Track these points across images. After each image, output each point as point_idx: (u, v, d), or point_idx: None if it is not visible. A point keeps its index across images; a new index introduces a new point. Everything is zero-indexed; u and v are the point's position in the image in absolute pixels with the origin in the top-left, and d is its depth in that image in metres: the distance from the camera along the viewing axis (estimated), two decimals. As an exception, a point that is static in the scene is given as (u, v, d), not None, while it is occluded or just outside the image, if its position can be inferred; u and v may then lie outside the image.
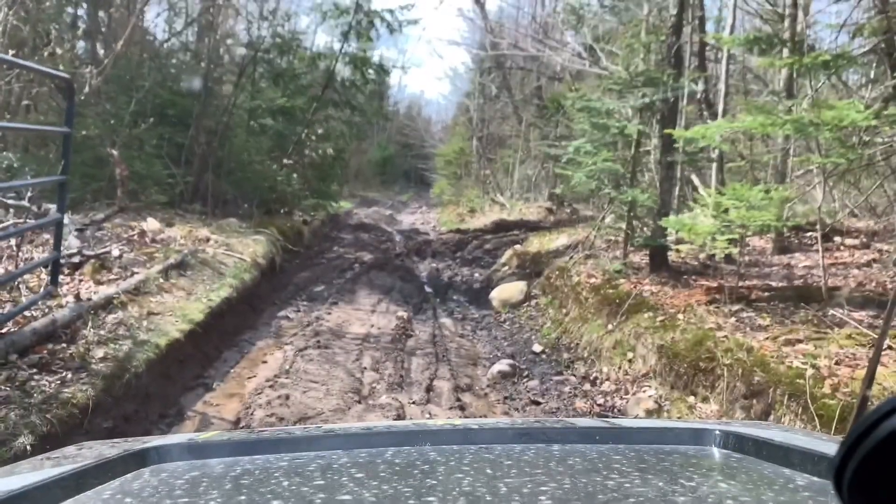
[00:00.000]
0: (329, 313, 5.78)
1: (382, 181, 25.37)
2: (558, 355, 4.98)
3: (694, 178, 6.71)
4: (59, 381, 2.91)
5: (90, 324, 3.55)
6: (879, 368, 2.77)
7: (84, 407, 2.82)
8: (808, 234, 6.22)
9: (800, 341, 3.60)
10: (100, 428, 2.84)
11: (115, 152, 6.64)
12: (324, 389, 3.79)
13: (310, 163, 10.89)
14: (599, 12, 8.87)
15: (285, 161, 10.00)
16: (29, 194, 4.56)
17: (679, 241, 5.79)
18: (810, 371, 3.13)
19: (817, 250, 4.83)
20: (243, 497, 0.72)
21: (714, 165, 5.87)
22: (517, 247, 8.52)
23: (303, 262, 8.31)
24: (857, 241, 5.96)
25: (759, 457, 0.86)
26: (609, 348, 4.57)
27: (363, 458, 0.86)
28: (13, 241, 4.03)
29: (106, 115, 7.35)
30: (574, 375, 4.55)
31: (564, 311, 5.71)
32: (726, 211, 4.33)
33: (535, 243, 8.33)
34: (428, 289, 7.39)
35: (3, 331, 3.07)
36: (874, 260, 5.30)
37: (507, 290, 6.77)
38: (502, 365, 4.53)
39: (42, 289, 3.65)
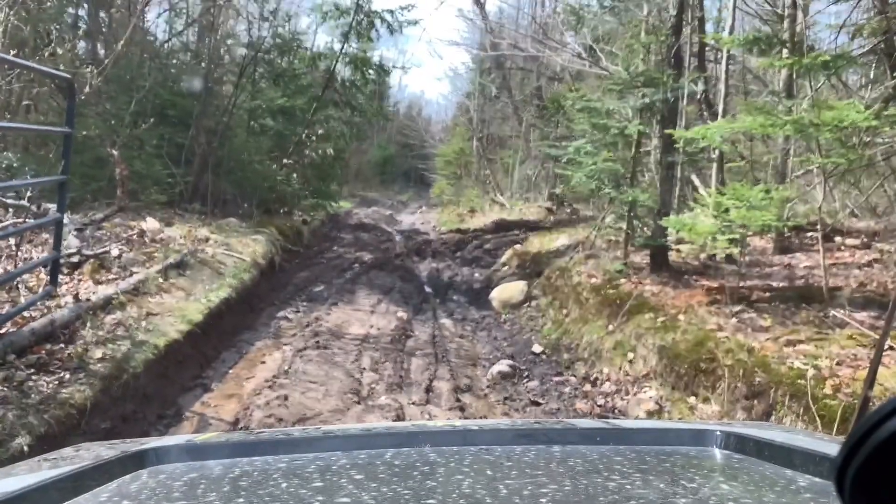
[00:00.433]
0: (328, 314, 5.77)
1: (382, 181, 25.37)
2: (558, 356, 4.97)
3: (694, 178, 6.70)
4: (57, 382, 2.91)
5: (89, 324, 3.55)
6: (881, 369, 2.76)
7: (82, 407, 2.82)
8: (809, 234, 6.21)
9: (801, 342, 3.59)
10: (98, 428, 2.84)
11: (115, 152, 6.64)
12: (323, 390, 3.79)
13: (310, 163, 10.89)
14: (599, 13, 8.87)
15: (285, 161, 10.00)
16: (28, 194, 4.55)
17: (680, 241, 5.78)
18: (811, 372, 3.13)
19: (818, 250, 4.82)
20: (241, 499, 0.72)
21: (714, 165, 5.87)
22: (517, 247, 8.51)
23: (302, 262, 8.31)
24: (857, 242, 5.95)
25: (761, 458, 0.85)
26: (609, 349, 4.56)
27: (362, 459, 0.86)
28: (12, 241, 4.02)
29: (106, 115, 7.35)
30: (574, 376, 4.54)
31: (565, 311, 5.70)
32: (727, 211, 4.33)
33: (536, 243, 8.33)
34: (428, 289, 7.38)
35: (2, 331, 3.07)
36: (875, 260, 5.29)
37: (507, 291, 6.76)
38: (502, 365, 4.52)
39: (41, 289, 3.64)
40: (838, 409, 2.86)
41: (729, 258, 5.12)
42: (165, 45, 9.92)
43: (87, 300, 3.81)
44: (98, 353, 3.26)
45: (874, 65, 5.81)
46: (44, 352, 3.13)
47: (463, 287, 7.61)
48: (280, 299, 6.24)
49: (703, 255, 5.70)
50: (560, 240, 7.88)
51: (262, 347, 4.72)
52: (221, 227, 7.30)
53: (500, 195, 14.44)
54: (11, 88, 6.12)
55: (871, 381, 2.78)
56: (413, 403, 3.73)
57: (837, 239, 6.02)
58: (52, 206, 4.20)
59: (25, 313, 3.35)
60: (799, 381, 3.11)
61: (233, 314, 5.09)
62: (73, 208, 5.68)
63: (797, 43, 5.45)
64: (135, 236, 5.71)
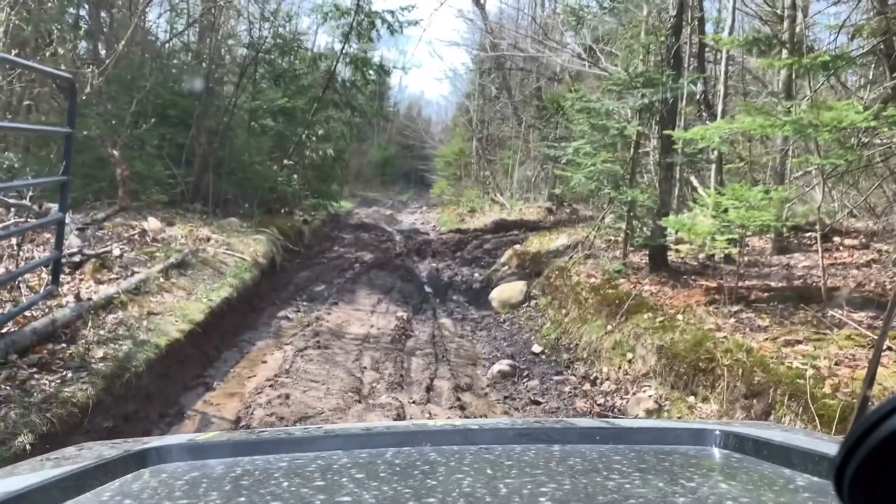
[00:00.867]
0: (329, 313, 5.78)
1: (382, 181, 25.38)
2: (558, 355, 4.99)
3: (693, 178, 6.71)
4: (59, 381, 2.92)
5: (90, 323, 3.56)
6: (879, 369, 2.77)
7: (84, 406, 2.83)
8: (808, 234, 6.23)
9: (799, 342, 3.60)
10: (100, 427, 2.85)
11: (116, 152, 6.65)
12: (324, 389, 3.80)
13: (310, 163, 10.91)
14: (599, 13, 8.88)
15: (286, 161, 10.01)
16: (30, 194, 4.57)
17: (678, 242, 5.79)
18: (810, 371, 3.14)
19: (816, 250, 4.83)
20: (243, 498, 0.72)
21: (713, 166, 5.88)
22: (517, 247, 8.52)
23: (303, 262, 8.32)
24: (856, 242, 5.97)
25: (760, 457, 0.86)
26: (609, 348, 4.57)
27: (363, 458, 0.86)
28: (14, 241, 4.03)
29: (107, 116, 7.36)
30: (574, 375, 4.55)
31: (564, 311, 5.72)
32: (726, 211, 4.34)
33: (535, 243, 8.34)
34: (428, 289, 7.39)
35: (4, 330, 3.08)
36: (873, 260, 5.30)
37: (507, 291, 6.77)
38: (502, 365, 4.53)
39: (43, 288, 3.65)
40: (837, 408, 2.88)
41: (728, 258, 5.13)
42: (166, 46, 9.93)
43: (89, 300, 3.82)
44: (100, 353, 3.28)
45: (873, 65, 5.82)
46: (46, 351, 3.14)
47: (463, 287, 7.62)
48: (281, 299, 6.25)
49: (701, 256, 5.71)
50: (559, 240, 7.89)
51: (264, 347, 4.73)
52: (222, 226, 7.32)
53: (500, 195, 14.45)
54: (13, 88, 6.14)
55: (870, 380, 2.79)
56: (413, 402, 3.74)
57: (836, 239, 6.04)
58: (54, 206, 4.22)
59: (27, 313, 3.36)
60: (798, 380, 3.12)
61: (234, 313, 5.10)
62: (74, 208, 5.69)
63: (796, 43, 5.46)
64: (136, 236, 5.72)
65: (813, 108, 4.04)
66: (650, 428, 1.08)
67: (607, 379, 4.35)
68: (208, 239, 6.38)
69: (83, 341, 3.35)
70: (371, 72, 11.58)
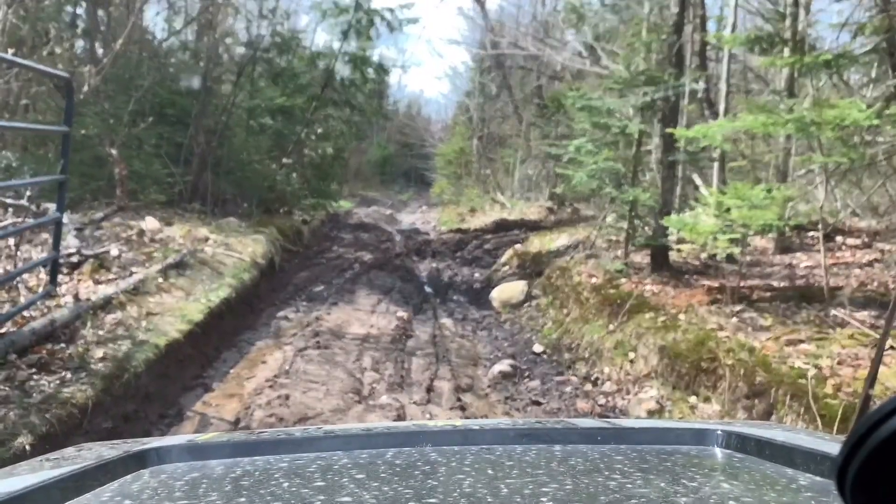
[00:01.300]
0: (329, 313, 5.76)
1: (382, 180, 25.36)
2: (559, 356, 4.97)
3: (695, 177, 6.70)
4: (58, 381, 2.90)
5: (89, 324, 3.54)
6: (882, 368, 2.76)
7: (83, 407, 2.81)
8: (810, 233, 6.21)
9: (802, 341, 3.59)
10: (99, 428, 2.83)
11: (114, 151, 6.62)
12: (323, 390, 3.78)
13: (309, 162, 10.89)
14: (600, 11, 8.86)
15: (285, 160, 9.98)
16: (28, 193, 4.54)
17: (680, 241, 5.78)
18: (812, 371, 3.13)
19: (819, 250, 4.81)
20: (243, 499, 0.72)
21: (716, 165, 5.86)
22: (518, 246, 8.50)
23: (302, 262, 8.30)
24: (858, 241, 5.95)
25: (762, 457, 0.85)
26: (610, 349, 4.56)
27: (363, 459, 0.86)
28: (12, 241, 4.01)
29: (105, 115, 7.33)
30: (575, 376, 4.53)
31: (565, 311, 5.70)
32: (728, 210, 4.32)
33: (536, 243, 8.32)
34: (428, 289, 7.37)
35: (2, 331, 3.06)
36: (876, 260, 5.29)
37: (508, 290, 6.75)
38: (503, 365, 4.52)
39: (41, 288, 3.63)
40: (839, 408, 2.86)
41: (730, 258, 5.11)
42: (164, 44, 9.90)
43: (87, 300, 3.80)
44: (99, 353, 3.26)
45: (876, 64, 5.80)
46: (45, 351, 3.12)
47: (463, 287, 7.61)
48: (280, 299, 6.23)
49: (703, 255, 5.69)
50: (560, 239, 7.88)
51: (263, 347, 4.71)
52: (221, 226, 7.29)
53: (501, 194, 14.43)
54: (10, 87, 6.11)
55: (871, 380, 2.77)
56: (414, 403, 3.73)
57: (838, 238, 6.02)
58: (52, 206, 4.19)
59: (26, 313, 3.34)
60: (800, 380, 3.11)
61: (233, 314, 5.08)
62: (72, 208, 5.67)
63: (799, 42, 5.44)
64: (134, 236, 5.70)
65: (815, 107, 4.02)
66: (652, 428, 1.08)
67: (609, 379, 4.33)
68: (207, 239, 6.35)
69: (82, 341, 3.34)
70: (370, 70, 11.55)
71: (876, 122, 3.80)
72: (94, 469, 0.78)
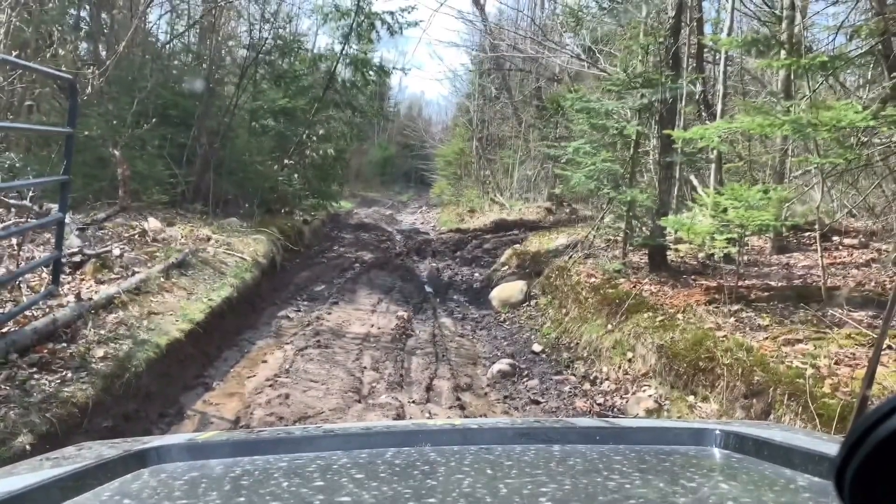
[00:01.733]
0: (329, 313, 5.78)
1: (383, 181, 25.38)
2: (558, 355, 4.99)
3: (692, 178, 6.72)
4: (59, 381, 2.92)
5: (91, 323, 3.56)
6: (879, 368, 2.77)
7: (84, 406, 2.83)
8: (807, 233, 6.23)
9: (799, 341, 3.61)
10: (100, 427, 2.85)
11: (117, 152, 6.66)
12: (324, 389, 3.80)
13: (311, 163, 10.91)
14: (598, 14, 8.89)
15: (286, 161, 10.02)
16: (31, 194, 4.57)
17: (678, 241, 5.80)
18: (810, 371, 3.14)
19: (816, 250, 4.83)
20: (243, 498, 0.72)
21: (713, 166, 5.88)
22: (517, 246, 8.53)
23: (303, 262, 8.33)
24: (855, 241, 5.97)
25: (760, 457, 0.86)
26: (609, 348, 4.58)
27: (363, 458, 0.86)
28: (14, 241, 4.04)
29: (108, 116, 7.37)
30: (574, 375, 4.55)
31: (564, 310, 5.72)
32: (725, 211, 4.34)
33: (535, 243, 8.34)
34: (428, 288, 7.40)
35: (4, 330, 3.09)
36: (873, 259, 5.31)
37: (507, 290, 6.77)
38: (502, 364, 4.54)
39: (43, 288, 3.66)
40: (837, 407, 2.88)
41: (727, 258, 5.13)
42: (167, 47, 9.94)
43: (89, 299, 3.82)
44: (100, 352, 3.28)
45: (871, 65, 5.83)
46: (46, 351, 3.14)
47: (463, 286, 7.63)
48: (281, 298, 6.25)
49: (701, 255, 5.71)
50: (559, 239, 7.90)
51: (264, 346, 4.73)
52: (223, 226, 7.32)
53: (500, 195, 14.45)
54: (14, 89, 6.15)
55: (869, 380, 2.79)
56: (413, 402, 3.75)
57: (835, 239, 6.04)
58: (54, 206, 4.23)
59: (27, 312, 3.37)
60: (797, 380, 3.12)
61: (234, 313, 5.10)
62: (75, 208, 5.70)
63: (795, 44, 5.47)
64: (136, 236, 5.73)
65: (812, 108, 4.04)
66: (650, 428, 1.09)
67: (607, 378, 4.35)
68: (208, 239, 6.38)
69: (83, 341, 3.36)
70: (371, 72, 11.59)
71: (872, 123, 3.82)
72: (94, 468, 0.79)
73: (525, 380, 4.39)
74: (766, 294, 4.50)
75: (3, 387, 2.73)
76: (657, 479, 0.79)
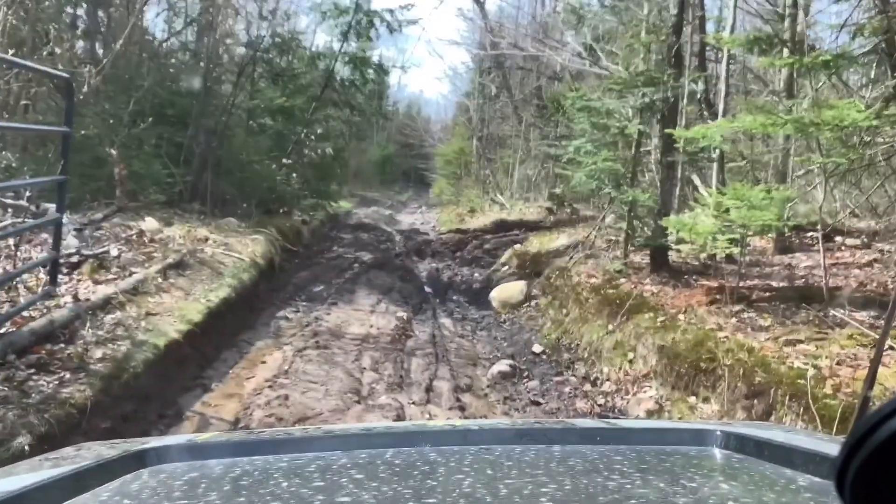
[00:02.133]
0: (328, 313, 5.76)
1: (382, 181, 25.36)
2: (558, 356, 4.97)
3: (694, 177, 6.70)
4: (57, 382, 2.90)
5: (88, 324, 3.54)
6: (881, 369, 2.76)
7: (82, 407, 2.81)
8: (809, 234, 6.22)
9: (801, 342, 3.59)
10: (98, 428, 2.83)
11: (114, 152, 6.63)
12: (323, 390, 3.78)
13: (309, 162, 10.88)
14: (599, 12, 8.87)
15: (284, 161, 9.99)
16: (28, 194, 4.54)
17: (680, 241, 5.77)
18: (811, 371, 3.12)
19: (818, 250, 4.82)
20: (242, 498, 0.72)
21: (715, 165, 5.87)
22: (517, 247, 8.51)
23: (302, 262, 8.30)
24: (858, 242, 5.96)
25: (761, 457, 0.85)
26: (609, 349, 4.56)
27: (363, 459, 0.86)
28: (12, 241, 4.01)
29: (105, 115, 7.34)
30: (574, 376, 4.54)
31: (564, 311, 5.70)
32: (727, 211, 4.33)
33: (535, 243, 8.32)
34: (427, 289, 7.38)
35: (2, 331, 3.06)
36: (875, 260, 5.29)
37: (507, 291, 6.75)
38: (502, 365, 4.52)
39: (40, 289, 3.64)
40: (838, 408, 2.86)
41: (729, 258, 5.12)
42: (164, 45, 9.91)
43: (87, 300, 3.80)
44: (98, 353, 3.26)
45: (875, 64, 5.81)
46: (44, 352, 3.12)
47: (463, 287, 7.61)
48: (280, 299, 6.23)
49: (703, 255, 5.70)
50: (560, 240, 7.88)
51: (263, 347, 4.71)
52: (221, 226, 7.29)
53: (500, 195, 14.43)
54: (10, 88, 6.11)
55: (871, 380, 2.77)
56: (413, 403, 3.73)
57: (838, 239, 6.03)
58: (51, 206, 4.19)
59: (25, 313, 3.34)
60: (799, 380, 3.11)
61: (233, 314, 5.08)
62: (72, 208, 5.67)
63: (798, 42, 5.45)
64: (134, 236, 5.70)
65: (814, 107, 4.02)
66: (651, 428, 1.09)
67: (608, 379, 4.33)
68: (206, 239, 6.35)
69: (81, 342, 3.34)
70: (370, 71, 11.57)
71: (875, 122, 3.80)
72: (94, 468, 0.78)
73: (525, 381, 4.37)
74: (767, 294, 4.48)
75: (1, 388, 2.71)
76: (658, 479, 0.78)
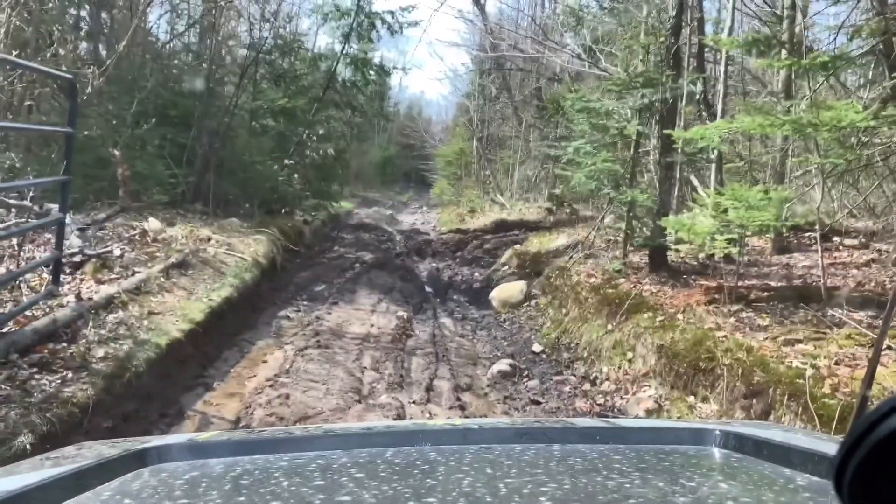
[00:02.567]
0: (329, 313, 5.78)
1: (383, 181, 25.38)
2: (558, 355, 4.99)
3: (693, 178, 6.72)
4: (59, 381, 2.92)
5: (91, 323, 3.56)
6: (879, 368, 2.77)
7: (84, 406, 2.83)
8: (807, 234, 6.23)
9: (799, 341, 3.61)
10: (100, 427, 2.85)
11: (117, 152, 6.66)
12: (324, 389, 3.80)
13: (311, 163, 10.91)
14: (598, 14, 8.89)
15: (286, 161, 10.01)
16: (31, 194, 4.57)
17: (678, 241, 5.79)
18: (810, 371, 3.14)
19: (816, 250, 4.83)
20: (243, 497, 0.72)
21: (713, 166, 5.88)
22: (517, 247, 8.53)
23: (303, 262, 8.32)
24: (855, 241, 5.97)
25: (760, 457, 0.86)
26: (609, 348, 4.58)
27: (363, 458, 0.86)
28: (15, 241, 4.04)
29: (108, 116, 7.37)
30: (574, 375, 4.55)
31: (564, 310, 5.72)
32: (725, 211, 4.34)
33: (535, 243, 8.34)
34: (428, 288, 7.40)
35: (5, 330, 3.09)
36: (873, 260, 5.31)
37: (507, 290, 6.77)
38: (502, 365, 4.54)
39: (43, 288, 3.66)
40: (837, 408, 2.87)
41: (727, 258, 5.13)
42: (167, 46, 9.95)
43: (90, 299, 3.82)
44: (100, 352, 3.28)
45: (872, 65, 5.82)
46: (46, 351, 3.14)
47: (463, 287, 7.63)
48: (281, 299, 6.25)
49: (701, 255, 5.71)
50: (559, 240, 7.90)
51: (264, 346, 4.73)
52: (223, 227, 7.32)
53: (500, 195, 14.44)
54: (14, 89, 6.15)
55: (869, 380, 2.78)
56: (413, 402, 3.75)
57: (836, 239, 6.04)
58: (55, 206, 4.22)
59: (28, 312, 3.37)
60: (798, 380, 3.12)
61: (234, 313, 5.10)
62: (75, 208, 5.70)
63: (796, 44, 5.47)
64: (137, 236, 5.73)
65: (812, 108, 4.04)
66: (650, 428, 1.09)
67: (607, 379, 4.35)
68: (209, 239, 6.38)
69: (84, 341, 3.36)
70: (371, 72, 11.59)
71: (872, 123, 3.82)
72: (95, 468, 0.78)
73: (525, 380, 4.39)
74: (766, 294, 4.50)
75: (3, 387, 2.73)
76: (657, 478, 0.79)
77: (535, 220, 11.24)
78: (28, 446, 2.44)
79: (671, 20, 5.66)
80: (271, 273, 6.91)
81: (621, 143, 6.25)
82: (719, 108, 5.92)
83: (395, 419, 3.37)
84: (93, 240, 5.23)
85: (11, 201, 4.50)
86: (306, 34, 13.15)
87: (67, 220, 3.85)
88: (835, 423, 2.80)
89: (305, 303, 6.18)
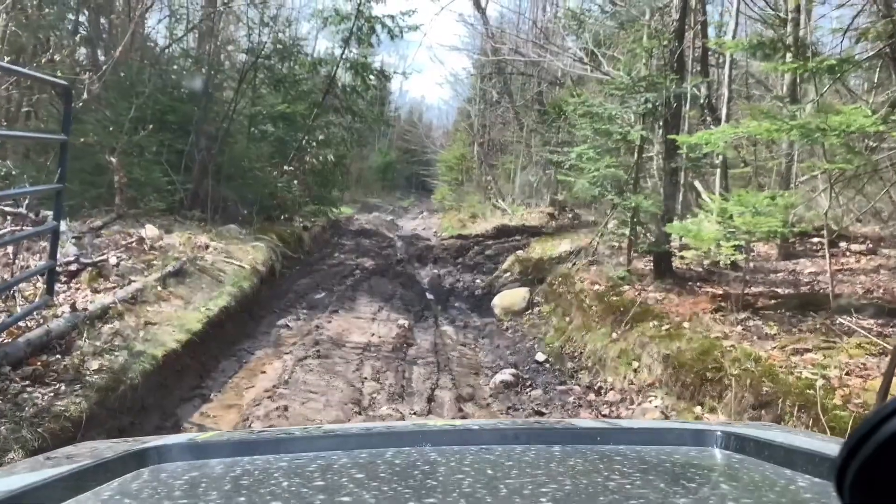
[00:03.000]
0: (329, 322, 5.71)
1: (383, 187, 25.38)
2: (562, 364, 4.91)
3: (697, 184, 6.66)
4: (52, 394, 2.86)
5: (86, 334, 3.50)
6: (894, 380, 2.69)
7: (77, 420, 2.76)
8: (814, 239, 6.16)
9: (808, 350, 3.54)
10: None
11: (114, 159, 6.61)
12: (323, 400, 3.73)
13: (310, 169, 10.87)
14: (600, 17, 8.86)
15: (286, 167, 9.98)
16: (26, 201, 4.52)
17: (683, 248, 5.73)
18: (820, 381, 3.07)
19: (823, 256, 4.76)
20: (243, 498, 0.72)
21: (718, 171, 5.83)
22: (519, 253, 8.46)
23: (303, 269, 8.26)
24: (863, 247, 5.90)
25: (761, 458, 0.85)
26: (613, 357, 4.50)
27: (363, 458, 0.86)
28: (9, 249, 3.98)
29: (106, 122, 7.32)
30: (578, 385, 4.48)
31: (568, 318, 5.65)
32: (731, 217, 4.28)
33: (538, 249, 8.28)
34: (429, 296, 7.33)
35: (-3, 342, 3.02)
36: (881, 266, 5.23)
37: (510, 297, 6.70)
38: (505, 374, 4.46)
39: (38, 298, 3.60)
40: (849, 420, 2.80)
41: (733, 264, 5.07)
42: (165, 51, 9.92)
43: (85, 309, 3.76)
44: (95, 364, 3.21)
45: (878, 69, 5.77)
46: (39, 363, 3.08)
47: (464, 294, 7.56)
48: (280, 307, 6.18)
49: (707, 262, 5.65)
50: (562, 246, 7.83)
51: (262, 356, 4.66)
52: (221, 233, 7.26)
53: (502, 201, 14.40)
54: (11, 95, 6.10)
55: (884, 392, 2.71)
56: (415, 413, 3.68)
57: (843, 245, 5.97)
58: (51, 214, 4.16)
59: (21, 323, 3.30)
60: (808, 390, 3.05)
61: (232, 323, 5.03)
62: (71, 215, 5.65)
63: (801, 47, 5.42)
64: (133, 244, 5.66)
65: (819, 113, 3.98)
66: (651, 429, 1.09)
67: (612, 389, 4.27)
68: (207, 246, 6.32)
69: (78, 352, 3.29)
70: (371, 77, 11.56)
71: (881, 127, 3.76)
72: (94, 468, 0.79)
73: (528, 390, 4.32)
74: (773, 302, 4.43)
75: (-6, 401, 2.66)
76: (658, 479, 0.79)
77: (537, 225, 11.19)
78: (17, 464, 2.37)
79: (674, 23, 5.61)
80: (270, 280, 6.85)
81: (624, 148, 6.19)
82: (724, 112, 5.87)
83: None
84: (89, 248, 5.16)
85: (6, 209, 4.44)
86: (306, 39, 13.12)
87: (63, 228, 3.79)
88: (847, 435, 2.72)
89: (305, 311, 6.11)
